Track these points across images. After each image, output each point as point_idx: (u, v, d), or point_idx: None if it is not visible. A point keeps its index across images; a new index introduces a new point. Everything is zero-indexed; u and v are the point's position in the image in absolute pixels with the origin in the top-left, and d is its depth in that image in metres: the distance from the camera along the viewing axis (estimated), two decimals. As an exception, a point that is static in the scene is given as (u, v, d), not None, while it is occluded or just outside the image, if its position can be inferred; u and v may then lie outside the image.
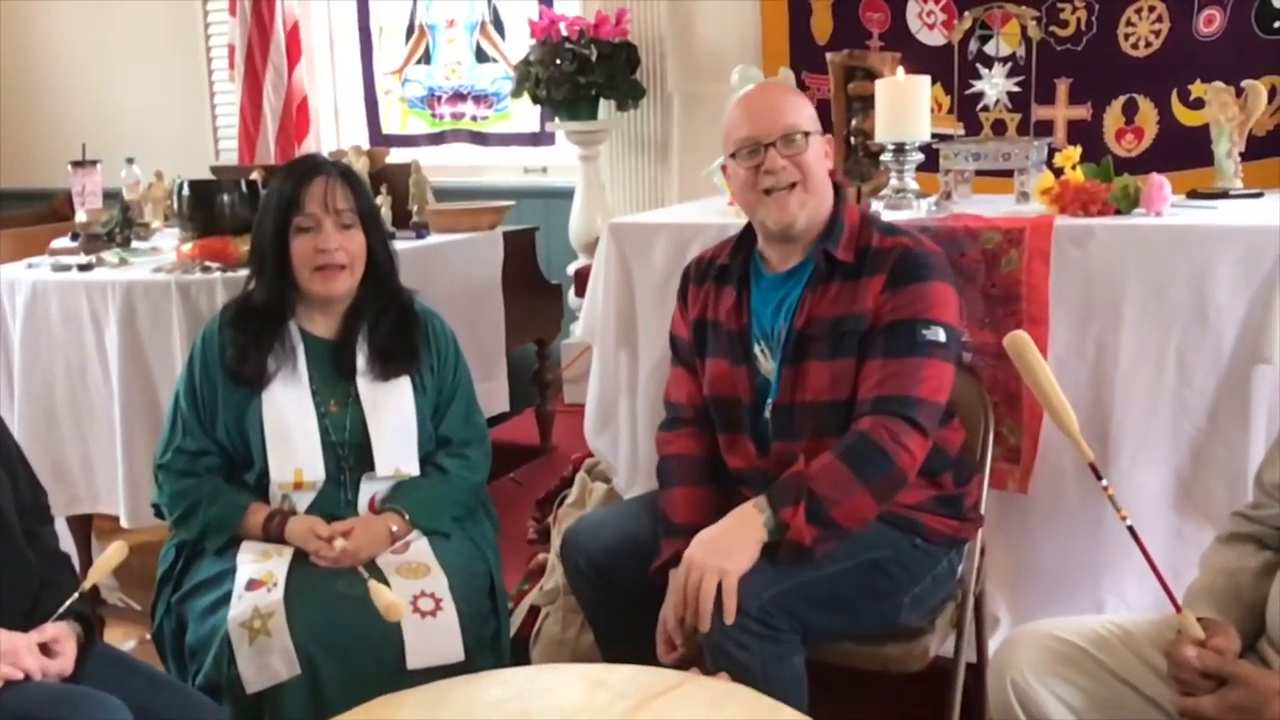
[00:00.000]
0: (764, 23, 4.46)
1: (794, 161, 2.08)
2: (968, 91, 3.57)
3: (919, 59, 3.27)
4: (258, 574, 2.12)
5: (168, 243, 3.54)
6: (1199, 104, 3.63)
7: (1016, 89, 3.51)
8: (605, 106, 4.85)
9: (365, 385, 2.29)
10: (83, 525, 3.40)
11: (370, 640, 2.03)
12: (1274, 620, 1.63)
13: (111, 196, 3.96)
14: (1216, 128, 2.82)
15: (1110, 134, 3.95)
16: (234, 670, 2.02)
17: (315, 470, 2.24)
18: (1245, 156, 2.85)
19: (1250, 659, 1.61)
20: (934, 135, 2.77)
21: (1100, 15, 3.89)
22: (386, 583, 2.09)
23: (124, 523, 3.12)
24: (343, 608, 2.05)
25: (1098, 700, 1.69)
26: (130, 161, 4.09)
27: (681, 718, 1.61)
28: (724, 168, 2.18)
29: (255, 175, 3.61)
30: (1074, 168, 2.63)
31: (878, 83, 2.75)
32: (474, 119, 5.66)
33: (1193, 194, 2.81)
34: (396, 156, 4.41)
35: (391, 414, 2.29)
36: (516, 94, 4.95)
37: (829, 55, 3.13)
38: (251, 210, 3.09)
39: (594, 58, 4.61)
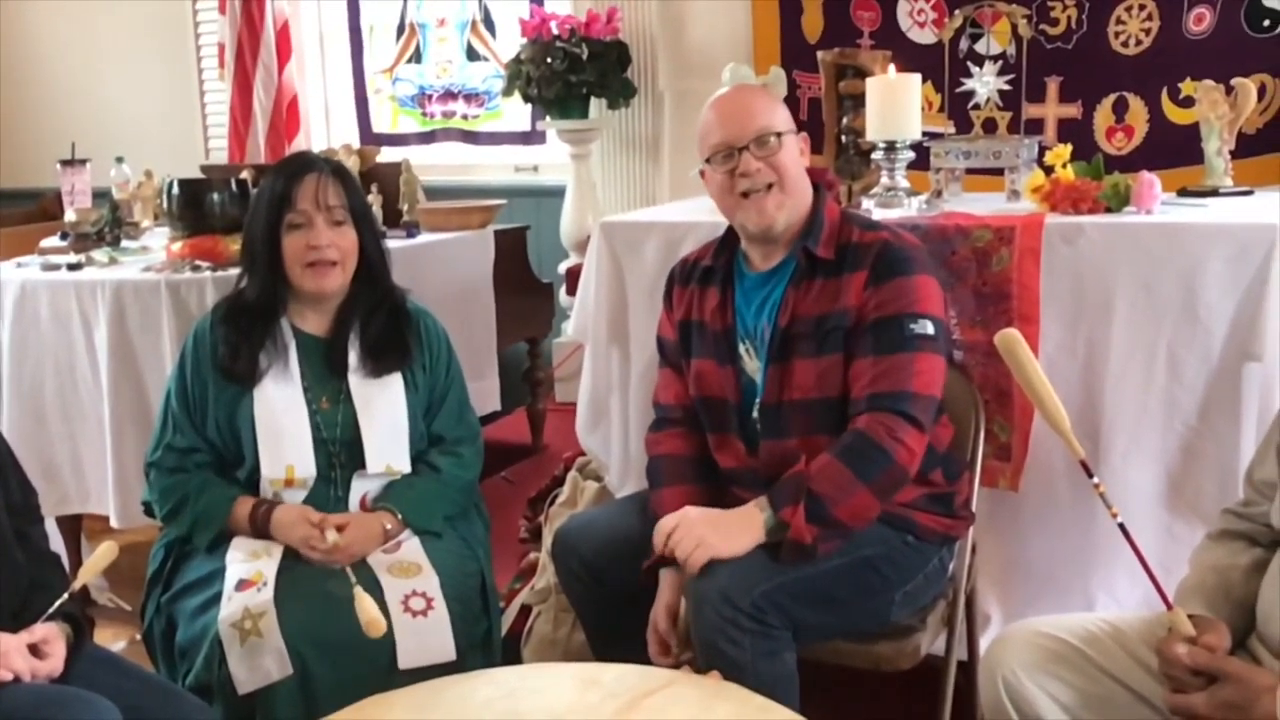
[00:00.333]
0: (755, 21, 4.46)
1: (768, 163, 2.09)
2: (958, 90, 3.58)
3: (910, 57, 3.28)
4: (247, 574, 2.12)
5: (157, 242, 3.54)
6: (1189, 102, 3.64)
7: (1007, 87, 3.51)
8: (596, 105, 4.85)
9: (357, 382, 2.29)
10: (72, 525, 3.39)
11: (361, 640, 2.01)
12: (1264, 617, 1.63)
13: (101, 195, 3.95)
14: (1206, 126, 2.82)
15: (1100, 132, 3.96)
16: (225, 671, 2.01)
17: (306, 467, 2.24)
18: (1235, 154, 2.85)
19: (1241, 656, 1.62)
20: (925, 133, 2.77)
21: (1091, 13, 3.90)
22: (378, 584, 2.09)
23: (114, 523, 3.11)
24: (333, 608, 2.04)
25: (1089, 698, 1.69)
26: (120, 160, 4.08)
27: (672, 717, 1.61)
28: (702, 172, 2.18)
29: (245, 174, 3.60)
30: (1064, 166, 2.63)
31: (869, 81, 2.75)
32: (465, 118, 5.66)
33: (1183, 192, 2.82)
34: (387, 155, 4.40)
35: (383, 411, 2.29)
36: (507, 93, 4.95)
37: (820, 54, 3.13)
38: (241, 209, 3.08)
39: (585, 56, 4.61)
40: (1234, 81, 2.81)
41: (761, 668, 1.87)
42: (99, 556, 1.87)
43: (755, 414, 2.13)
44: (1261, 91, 3.56)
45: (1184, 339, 2.37)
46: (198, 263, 3.07)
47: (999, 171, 2.91)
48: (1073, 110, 3.98)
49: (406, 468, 2.29)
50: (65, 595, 1.79)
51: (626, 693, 1.66)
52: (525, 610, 2.79)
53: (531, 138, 5.46)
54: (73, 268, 3.22)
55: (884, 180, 2.74)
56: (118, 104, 6.13)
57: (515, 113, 5.43)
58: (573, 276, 4.41)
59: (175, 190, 3.21)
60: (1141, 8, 3.84)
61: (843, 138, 3.09)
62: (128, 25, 6.11)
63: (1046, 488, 2.52)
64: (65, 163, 3.94)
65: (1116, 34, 3.89)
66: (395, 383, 2.31)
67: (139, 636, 2.37)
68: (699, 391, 2.20)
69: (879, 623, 2.09)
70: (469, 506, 2.42)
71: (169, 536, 2.29)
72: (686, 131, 4.46)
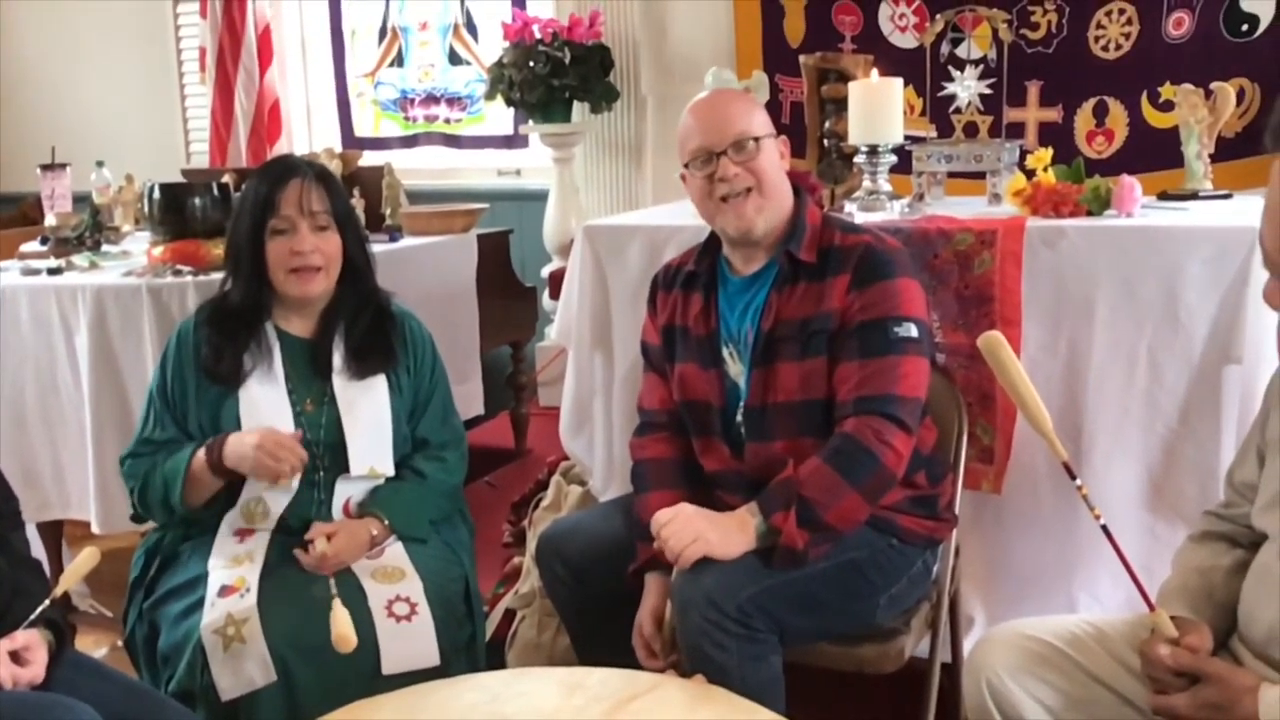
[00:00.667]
0: (737, 25, 4.48)
1: (747, 167, 2.09)
2: (940, 94, 3.59)
3: (891, 61, 3.29)
4: (230, 580, 2.11)
5: (138, 246, 3.52)
6: (1168, 106, 3.67)
7: (988, 91, 3.53)
8: (579, 109, 4.86)
9: (341, 384, 2.28)
10: (53, 531, 3.37)
11: (345, 645, 2.02)
12: (1246, 618, 1.64)
13: (81, 200, 3.94)
14: (1186, 129, 2.84)
15: (1081, 136, 3.99)
16: (208, 677, 2.00)
17: None
18: (1214, 158, 2.88)
19: (1223, 657, 1.62)
20: (907, 137, 2.78)
21: (1071, 18, 3.93)
22: (362, 590, 2.09)
23: (95, 529, 3.09)
24: (317, 613, 2.03)
25: (1073, 699, 1.70)
26: (100, 165, 4.06)
27: (658, 720, 1.61)
28: (683, 177, 2.18)
29: (227, 178, 3.59)
30: (1045, 169, 2.64)
31: (851, 85, 2.76)
32: (447, 121, 5.65)
33: (1163, 195, 2.83)
34: (369, 159, 4.41)
35: (366, 412, 2.28)
36: (490, 96, 4.95)
37: (802, 58, 3.14)
38: (223, 213, 3.08)
39: (567, 60, 4.61)
40: (1213, 85, 2.83)
41: (747, 671, 1.87)
42: (80, 562, 1.87)
43: (739, 417, 2.13)
44: (1240, 95, 3.59)
45: (1164, 341, 2.38)
46: (179, 267, 3.06)
47: (981, 175, 2.93)
48: (1053, 114, 4.01)
49: (390, 470, 2.29)
50: (47, 601, 1.78)
51: (611, 697, 1.66)
52: (509, 615, 2.78)
53: (514, 141, 5.46)
54: (53, 272, 3.21)
55: (866, 184, 2.75)
56: (98, 108, 6.10)
57: (498, 116, 5.43)
58: (556, 280, 4.41)
59: (156, 194, 3.20)
60: (1121, 12, 3.87)
61: (825, 142, 3.11)
62: (108, 29, 6.08)
63: (1029, 490, 2.53)
64: (45, 167, 3.93)
65: (1096, 38, 3.92)
66: (379, 385, 2.30)
67: (121, 643, 2.36)
68: (683, 396, 2.20)
69: (864, 626, 2.09)
70: (454, 511, 2.41)
71: (150, 542, 2.28)
72: (669, 135, 4.46)
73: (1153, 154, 3.72)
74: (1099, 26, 3.90)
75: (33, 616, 1.75)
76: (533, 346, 4.74)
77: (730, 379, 2.16)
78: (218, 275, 2.39)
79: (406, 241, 3.82)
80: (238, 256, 2.27)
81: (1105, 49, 3.91)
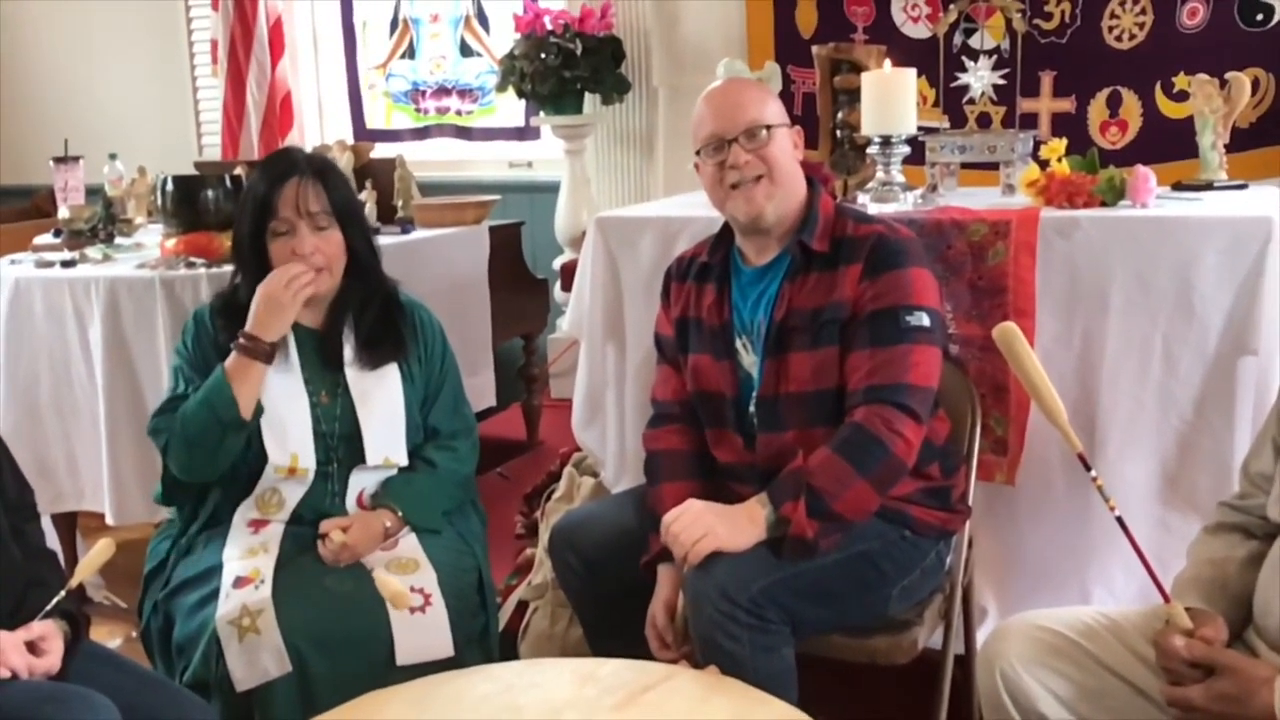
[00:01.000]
0: (749, 16, 4.46)
1: (758, 155, 2.09)
2: (953, 84, 3.58)
3: (904, 52, 3.29)
4: (244, 571, 2.11)
5: (151, 239, 3.53)
6: (1183, 96, 3.65)
7: (1001, 82, 3.52)
8: (590, 101, 4.85)
9: (354, 375, 2.28)
10: (68, 523, 3.39)
11: (359, 636, 2.02)
12: (1261, 610, 1.64)
13: (94, 192, 3.94)
14: (1200, 120, 2.82)
15: (1095, 126, 3.97)
16: (223, 668, 2.01)
17: (308, 458, 2.22)
18: (1229, 148, 2.86)
19: (1238, 648, 1.62)
20: (920, 128, 2.77)
21: (1084, 8, 3.91)
22: (374, 582, 2.09)
23: (109, 520, 3.11)
24: (331, 604, 2.04)
25: (1087, 691, 1.70)
26: (113, 157, 4.06)
27: (670, 712, 1.61)
28: (696, 165, 2.18)
29: (239, 171, 3.60)
30: (1059, 160, 2.63)
31: (863, 76, 2.75)
32: (459, 113, 5.65)
33: (1177, 186, 2.82)
34: (381, 151, 4.40)
35: (381, 403, 2.28)
36: (501, 88, 4.94)
37: (814, 49, 3.13)
38: (235, 206, 3.07)
39: (579, 52, 4.61)
40: (1228, 75, 2.81)
41: (760, 663, 1.87)
42: (96, 554, 1.87)
43: (752, 408, 2.13)
44: (1255, 85, 3.57)
45: (1179, 332, 2.37)
46: (192, 259, 3.07)
47: (994, 166, 2.91)
48: (1067, 105, 3.99)
49: (404, 460, 2.29)
50: (62, 593, 1.79)
51: (623, 688, 1.66)
52: (522, 606, 2.79)
53: (526, 133, 5.45)
54: (66, 265, 3.21)
55: (879, 175, 2.74)
56: (111, 101, 6.11)
57: (509, 108, 5.42)
58: (567, 272, 4.41)
59: (169, 187, 3.20)
60: (1135, 2, 3.84)
61: (838, 133, 3.09)
62: (121, 22, 6.09)
63: (1043, 482, 2.52)
64: (58, 160, 3.93)
65: (1110, 28, 3.90)
66: (392, 374, 2.31)
67: (136, 634, 2.37)
68: (696, 386, 2.20)
69: (876, 617, 2.09)
70: (466, 501, 2.42)
71: (165, 533, 2.29)
72: (681, 127, 4.46)
73: (1167, 144, 3.70)
74: (1113, 16, 3.88)
75: (48, 607, 1.76)
76: (544, 338, 4.74)
77: (744, 370, 2.16)
78: (230, 267, 2.39)
79: (418, 234, 3.82)
80: (242, 256, 2.28)
81: (1119, 39, 3.88)
